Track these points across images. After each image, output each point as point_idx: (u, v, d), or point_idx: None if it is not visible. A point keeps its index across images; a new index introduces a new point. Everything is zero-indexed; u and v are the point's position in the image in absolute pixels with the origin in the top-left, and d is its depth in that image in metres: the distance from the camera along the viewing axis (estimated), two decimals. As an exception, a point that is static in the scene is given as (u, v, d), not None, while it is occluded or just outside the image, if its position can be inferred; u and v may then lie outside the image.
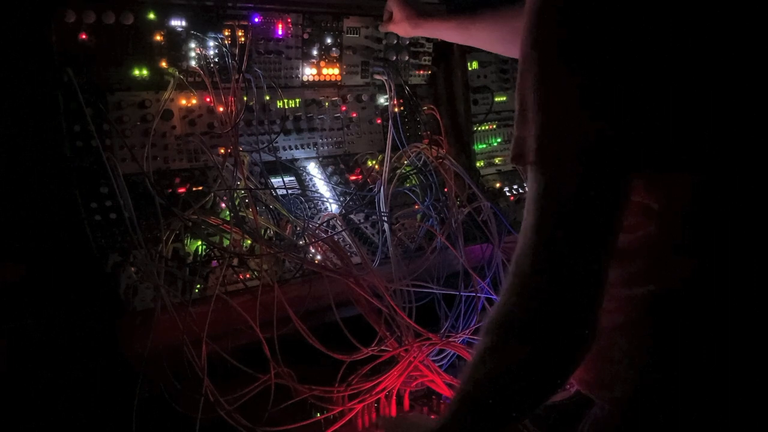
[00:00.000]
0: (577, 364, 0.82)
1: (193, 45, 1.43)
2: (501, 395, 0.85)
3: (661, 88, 0.73)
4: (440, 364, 1.44)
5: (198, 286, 1.29)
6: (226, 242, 1.36)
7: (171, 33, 1.41)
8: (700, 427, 0.84)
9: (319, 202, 1.63)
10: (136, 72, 1.40)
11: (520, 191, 1.90)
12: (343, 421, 1.27)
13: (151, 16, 1.37)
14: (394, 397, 1.34)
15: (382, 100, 1.83)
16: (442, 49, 1.87)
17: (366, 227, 1.62)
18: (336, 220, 1.54)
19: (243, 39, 1.49)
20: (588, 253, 0.77)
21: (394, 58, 1.79)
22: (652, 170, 0.78)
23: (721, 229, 0.79)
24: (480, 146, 1.94)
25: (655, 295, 0.83)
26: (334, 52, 1.71)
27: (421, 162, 1.72)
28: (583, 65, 0.73)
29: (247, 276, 1.35)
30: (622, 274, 0.84)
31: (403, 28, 1.64)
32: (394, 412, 1.33)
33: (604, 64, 0.73)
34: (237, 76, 1.45)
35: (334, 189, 1.67)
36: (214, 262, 1.33)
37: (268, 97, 1.60)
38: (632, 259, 0.84)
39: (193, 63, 1.44)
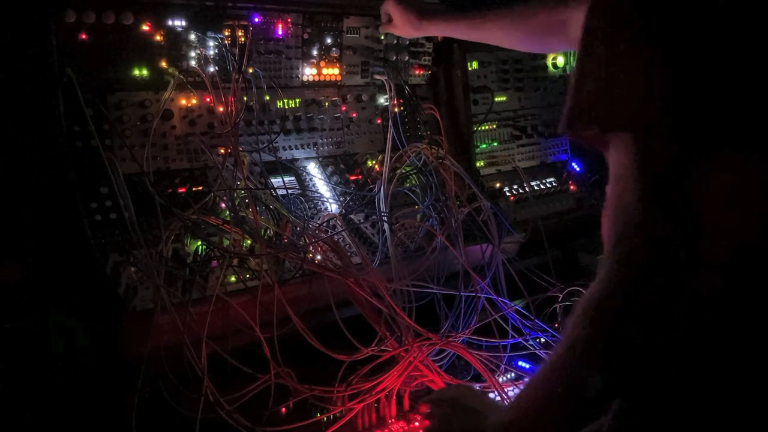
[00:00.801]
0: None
1: (193, 45, 1.43)
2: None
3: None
4: (440, 364, 1.44)
5: (198, 286, 1.29)
6: (226, 242, 1.36)
7: (171, 33, 1.41)
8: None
9: (319, 202, 1.63)
10: (136, 72, 1.40)
11: (520, 191, 1.90)
12: (343, 421, 1.27)
13: (151, 16, 1.37)
14: (394, 397, 1.34)
15: (382, 100, 1.83)
16: (442, 49, 1.88)
17: (366, 227, 1.62)
18: (336, 220, 1.54)
19: (243, 39, 1.49)
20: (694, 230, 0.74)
21: (394, 58, 1.79)
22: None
23: None
24: (480, 146, 1.95)
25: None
26: (334, 52, 1.71)
27: (421, 162, 1.72)
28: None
29: (247, 276, 1.35)
30: None
31: (405, 31, 1.63)
32: (394, 412, 1.33)
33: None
34: (237, 76, 1.45)
35: (334, 189, 1.67)
36: (214, 262, 1.33)
37: (268, 97, 1.60)
38: None
39: (193, 63, 1.44)
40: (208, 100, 1.50)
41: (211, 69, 1.47)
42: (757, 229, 0.76)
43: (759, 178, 0.75)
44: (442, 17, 1.57)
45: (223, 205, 1.42)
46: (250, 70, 1.51)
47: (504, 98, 2.01)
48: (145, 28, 1.38)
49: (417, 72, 1.89)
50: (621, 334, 0.76)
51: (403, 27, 1.61)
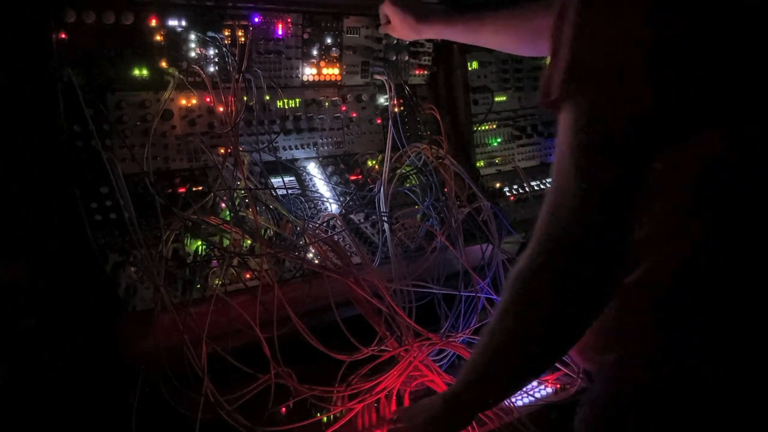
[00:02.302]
0: (598, 316, 0.82)
1: (193, 45, 1.43)
2: (522, 347, 0.88)
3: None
4: (440, 364, 1.44)
5: (197, 285, 1.29)
6: (226, 242, 1.36)
7: (171, 33, 1.41)
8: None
9: (319, 202, 1.63)
10: (136, 72, 1.40)
11: (520, 191, 1.90)
12: (343, 421, 1.27)
13: (151, 16, 1.37)
14: (394, 397, 1.34)
15: (382, 100, 1.83)
16: (442, 49, 1.87)
17: (366, 227, 1.62)
18: (336, 220, 1.54)
19: (243, 39, 1.49)
20: (629, 196, 0.76)
21: (394, 58, 1.79)
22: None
23: (736, 195, 0.77)
24: (480, 146, 1.95)
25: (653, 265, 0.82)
26: (334, 52, 1.71)
27: (421, 162, 1.72)
28: None
29: (247, 276, 1.35)
30: None
31: (403, 33, 1.63)
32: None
33: None
34: (237, 76, 1.45)
35: (334, 189, 1.67)
36: (214, 262, 1.33)
37: (268, 97, 1.60)
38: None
39: (193, 63, 1.44)
40: (208, 100, 1.50)
41: (211, 69, 1.47)
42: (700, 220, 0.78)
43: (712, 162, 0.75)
44: (440, 20, 1.56)
45: (223, 205, 1.42)
46: (250, 70, 1.51)
47: (504, 98, 2.01)
48: (145, 28, 1.38)
49: (417, 72, 1.89)
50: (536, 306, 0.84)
51: (400, 29, 1.61)
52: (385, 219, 1.57)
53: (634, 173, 0.76)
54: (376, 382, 1.31)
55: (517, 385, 1.07)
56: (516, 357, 0.91)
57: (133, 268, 1.26)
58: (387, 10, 1.61)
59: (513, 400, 1.36)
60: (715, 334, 0.81)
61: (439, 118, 1.86)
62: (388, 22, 1.65)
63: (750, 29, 0.71)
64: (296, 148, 1.69)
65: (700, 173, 0.77)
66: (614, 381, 0.91)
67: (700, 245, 0.79)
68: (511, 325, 0.88)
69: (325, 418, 1.28)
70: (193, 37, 1.43)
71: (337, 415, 1.28)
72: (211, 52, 1.46)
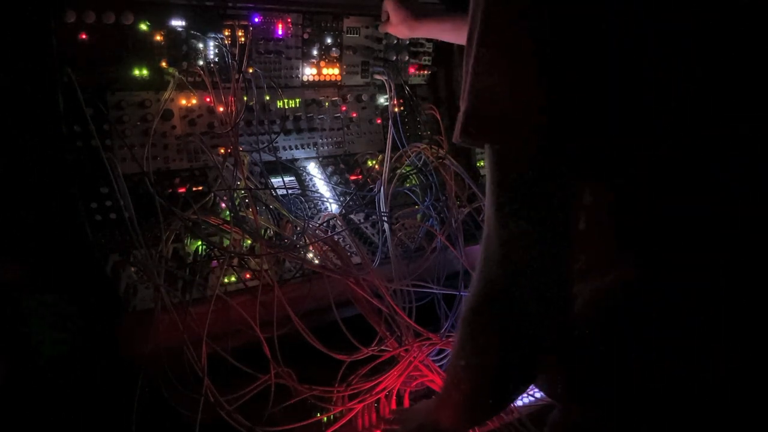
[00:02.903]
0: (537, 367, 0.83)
1: (193, 45, 1.43)
2: (480, 378, 0.88)
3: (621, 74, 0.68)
4: (440, 364, 1.44)
5: (198, 286, 1.29)
6: (226, 242, 1.36)
7: (171, 33, 1.41)
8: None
9: (319, 202, 1.63)
10: (136, 72, 1.40)
11: (520, 191, 1.90)
12: (343, 421, 1.27)
13: (151, 16, 1.37)
14: (394, 397, 1.34)
15: (382, 100, 1.83)
16: (442, 49, 1.88)
17: (366, 227, 1.62)
18: (336, 220, 1.54)
19: (243, 39, 1.49)
20: (551, 236, 0.75)
21: (394, 58, 1.79)
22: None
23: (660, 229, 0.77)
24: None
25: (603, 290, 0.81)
26: (334, 52, 1.71)
27: (421, 162, 1.72)
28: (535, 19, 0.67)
29: (247, 276, 1.35)
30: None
31: (400, 31, 1.64)
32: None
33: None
34: (237, 76, 1.45)
35: (334, 189, 1.67)
36: (214, 262, 1.33)
37: (268, 97, 1.60)
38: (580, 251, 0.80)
39: (193, 63, 1.44)
40: (208, 100, 1.50)
41: (211, 69, 1.47)
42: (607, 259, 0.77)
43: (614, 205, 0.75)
44: (432, 19, 1.58)
45: (223, 205, 1.42)
46: (250, 70, 1.51)
47: (504, 98, 2.00)
48: (145, 28, 1.38)
49: (417, 72, 1.89)
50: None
51: (398, 26, 1.62)
52: (385, 219, 1.57)
53: (552, 213, 0.74)
54: (376, 382, 1.31)
55: (484, 414, 1.05)
56: (475, 388, 0.90)
57: (133, 268, 1.26)
58: (387, 6, 1.62)
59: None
60: (715, 334, 0.81)
61: (439, 118, 1.86)
62: (388, 19, 1.65)
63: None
64: (296, 148, 1.69)
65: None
66: (563, 411, 0.91)
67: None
68: (465, 358, 0.87)
69: (325, 418, 1.27)
70: (193, 37, 1.43)
71: (337, 415, 1.28)
72: (211, 52, 1.46)
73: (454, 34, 1.57)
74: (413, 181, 1.74)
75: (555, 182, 0.73)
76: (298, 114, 1.68)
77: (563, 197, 0.74)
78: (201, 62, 1.45)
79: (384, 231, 1.56)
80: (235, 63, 1.45)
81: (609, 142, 0.72)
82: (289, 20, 1.61)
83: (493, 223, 0.76)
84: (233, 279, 1.35)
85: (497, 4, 0.69)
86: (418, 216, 1.69)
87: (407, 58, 1.83)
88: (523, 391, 0.90)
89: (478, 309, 0.83)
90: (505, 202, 0.75)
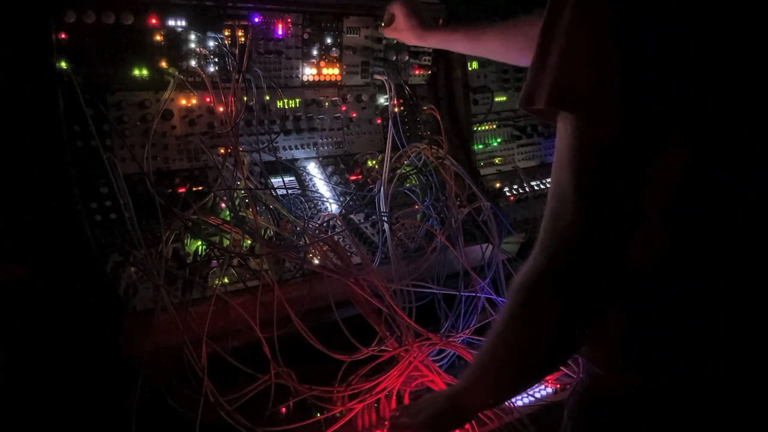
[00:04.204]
0: (597, 324, 0.84)
1: (193, 45, 1.43)
2: (525, 354, 0.90)
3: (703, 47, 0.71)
4: (440, 364, 1.44)
5: (198, 286, 1.29)
6: (226, 242, 1.36)
7: (171, 33, 1.41)
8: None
9: (319, 202, 1.63)
10: (136, 72, 1.40)
11: (520, 191, 1.90)
12: (343, 421, 1.27)
13: (151, 16, 1.37)
14: (394, 397, 1.34)
15: (382, 100, 1.83)
16: (443, 50, 1.87)
17: (366, 227, 1.62)
18: (336, 220, 1.54)
19: (243, 39, 1.49)
20: (626, 208, 0.77)
21: (394, 58, 1.79)
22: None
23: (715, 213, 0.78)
24: (480, 146, 1.95)
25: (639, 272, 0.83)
26: (334, 52, 1.71)
27: (421, 162, 1.72)
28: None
29: (247, 276, 1.35)
30: None
31: (406, 37, 1.63)
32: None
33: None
34: (237, 76, 1.45)
35: (334, 189, 1.67)
36: (214, 262, 1.33)
37: (268, 97, 1.60)
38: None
39: (193, 63, 1.44)
40: (208, 100, 1.50)
41: (211, 69, 1.47)
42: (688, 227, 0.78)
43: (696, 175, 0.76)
44: (442, 29, 1.59)
45: (223, 205, 1.42)
46: (250, 70, 1.51)
47: (504, 98, 2.01)
48: (145, 28, 1.37)
49: (417, 72, 1.89)
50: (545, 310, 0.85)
51: (406, 33, 1.62)
52: (385, 219, 1.57)
53: (627, 187, 0.76)
54: (376, 382, 1.31)
55: (518, 390, 1.10)
56: (518, 363, 0.92)
57: (133, 268, 1.26)
58: (396, 10, 1.61)
59: (513, 399, 1.36)
60: (715, 334, 0.81)
61: (439, 118, 1.86)
62: (392, 22, 1.65)
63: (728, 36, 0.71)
64: (296, 148, 1.69)
65: (688, 178, 0.77)
66: (598, 377, 0.92)
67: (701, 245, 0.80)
68: (515, 332, 0.89)
69: (324, 419, 1.27)
70: (193, 37, 1.43)
71: (337, 415, 1.28)
72: (211, 52, 1.46)
73: (467, 44, 1.57)
74: (413, 181, 1.74)
75: (628, 152, 0.75)
76: (298, 114, 1.68)
77: (634, 167, 0.75)
78: (201, 62, 1.45)
79: (384, 231, 1.56)
80: (235, 63, 1.45)
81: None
82: (289, 20, 1.61)
83: (569, 193, 0.77)
84: (233, 279, 1.35)
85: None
86: (418, 216, 1.69)
87: (407, 58, 1.83)
88: (571, 356, 0.95)
89: (538, 285, 0.84)
90: (585, 173, 0.76)
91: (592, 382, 0.93)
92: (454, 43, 1.61)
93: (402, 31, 1.62)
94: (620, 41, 0.71)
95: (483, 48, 1.56)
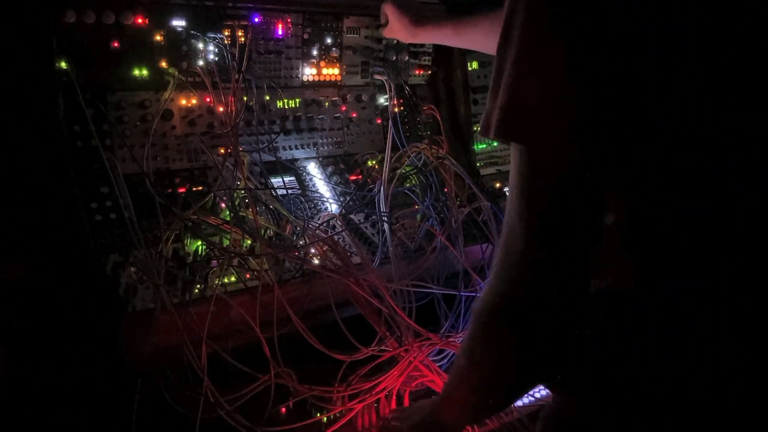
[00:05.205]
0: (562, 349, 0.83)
1: (193, 45, 1.43)
2: (488, 382, 0.90)
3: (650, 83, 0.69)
4: (440, 364, 1.44)
5: (198, 286, 1.29)
6: (226, 242, 1.36)
7: (171, 33, 1.41)
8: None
9: (319, 202, 1.63)
10: (136, 72, 1.40)
11: (520, 191, 1.90)
12: (343, 421, 1.27)
13: (151, 16, 1.37)
14: (394, 397, 1.34)
15: (382, 100, 1.83)
16: (442, 49, 1.87)
17: (366, 227, 1.62)
18: (336, 220, 1.54)
19: (243, 39, 1.49)
20: (578, 238, 0.76)
21: (394, 58, 1.79)
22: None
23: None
24: (480, 146, 1.95)
25: (603, 290, 0.82)
26: (334, 52, 1.71)
27: (421, 162, 1.72)
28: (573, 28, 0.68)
29: (247, 276, 1.35)
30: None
31: (401, 36, 1.63)
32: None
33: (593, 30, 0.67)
34: (237, 76, 1.45)
35: (334, 189, 1.67)
36: (214, 262, 1.33)
37: (268, 97, 1.60)
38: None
39: (193, 63, 1.44)
40: (208, 100, 1.50)
41: (211, 69, 1.47)
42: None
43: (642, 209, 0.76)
44: (432, 24, 1.57)
45: (223, 205, 1.42)
46: (250, 70, 1.51)
47: (504, 98, 2.00)
48: (145, 28, 1.37)
49: (417, 72, 1.89)
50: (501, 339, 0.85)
51: (397, 30, 1.62)
52: (385, 219, 1.57)
53: (579, 212, 0.75)
54: (376, 382, 1.31)
55: (491, 409, 1.07)
56: (487, 383, 0.92)
57: (133, 268, 1.26)
58: (387, 10, 1.61)
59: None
60: (715, 334, 0.81)
61: (439, 118, 1.86)
62: (387, 23, 1.65)
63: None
64: (296, 148, 1.69)
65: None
66: (560, 403, 0.92)
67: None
68: (482, 353, 0.88)
69: (325, 418, 1.28)
70: (193, 37, 1.43)
71: (337, 415, 1.28)
72: (211, 52, 1.46)
73: (455, 38, 1.56)
74: (413, 181, 1.74)
75: (583, 181, 0.73)
76: (298, 114, 1.68)
77: (590, 196, 0.74)
78: (201, 62, 1.45)
79: (384, 231, 1.56)
80: (235, 63, 1.45)
81: (613, 143, 0.72)
82: (289, 20, 1.61)
83: (518, 223, 0.75)
84: (233, 279, 1.35)
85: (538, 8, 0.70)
86: (418, 216, 1.69)
87: (407, 58, 1.83)
88: (539, 381, 0.93)
89: (496, 311, 0.83)
90: (534, 203, 0.74)
91: (564, 402, 0.92)
92: (444, 38, 1.60)
93: (395, 30, 1.62)
94: (573, 56, 0.68)
95: (469, 42, 1.54)
